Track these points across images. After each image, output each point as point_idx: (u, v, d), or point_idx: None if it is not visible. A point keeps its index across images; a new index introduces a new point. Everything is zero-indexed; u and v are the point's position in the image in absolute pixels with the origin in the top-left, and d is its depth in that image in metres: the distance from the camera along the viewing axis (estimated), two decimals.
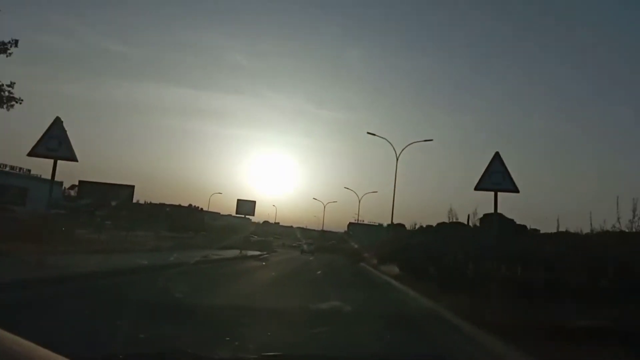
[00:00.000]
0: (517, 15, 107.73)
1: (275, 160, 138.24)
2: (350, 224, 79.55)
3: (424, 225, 75.07)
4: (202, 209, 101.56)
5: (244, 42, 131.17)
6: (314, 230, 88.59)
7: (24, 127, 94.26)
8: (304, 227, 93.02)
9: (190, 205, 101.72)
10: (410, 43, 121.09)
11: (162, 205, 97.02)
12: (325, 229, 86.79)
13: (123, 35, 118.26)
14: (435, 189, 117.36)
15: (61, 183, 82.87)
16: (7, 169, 62.55)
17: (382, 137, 40.53)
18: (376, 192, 76.99)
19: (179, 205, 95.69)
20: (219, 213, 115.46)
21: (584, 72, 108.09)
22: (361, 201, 69.07)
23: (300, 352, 5.11)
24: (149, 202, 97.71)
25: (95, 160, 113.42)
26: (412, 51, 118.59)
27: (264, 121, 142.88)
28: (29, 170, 66.79)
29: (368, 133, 40.51)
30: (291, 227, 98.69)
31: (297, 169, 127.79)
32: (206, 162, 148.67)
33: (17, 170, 63.78)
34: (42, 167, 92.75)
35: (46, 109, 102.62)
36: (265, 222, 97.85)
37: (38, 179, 71.21)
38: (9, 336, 1.02)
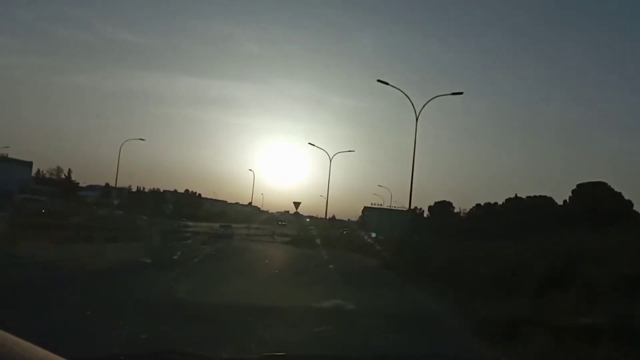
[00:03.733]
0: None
1: (287, 148, 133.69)
2: (365, 208, 72.84)
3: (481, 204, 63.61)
4: (200, 194, 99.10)
5: (255, 29, 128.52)
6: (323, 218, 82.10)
7: (38, 117, 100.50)
8: (315, 215, 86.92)
9: (187, 190, 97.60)
10: (422, 28, 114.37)
11: (165, 192, 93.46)
12: (338, 218, 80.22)
13: (135, 26, 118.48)
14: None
15: (30, 163, 79.23)
16: None
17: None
18: (353, 151, 66.22)
19: (175, 191, 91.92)
20: (226, 201, 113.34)
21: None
22: (381, 184, 62.36)
23: (302, 351, 5.24)
24: (154, 189, 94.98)
25: (109, 149, 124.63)
26: (424, 37, 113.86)
27: (275, 109, 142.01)
28: None
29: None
30: (302, 215, 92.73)
31: (312, 159, 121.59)
32: (216, 151, 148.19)
33: None
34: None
35: (59, 99, 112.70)
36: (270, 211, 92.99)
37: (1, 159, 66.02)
38: (9, 337, 1.02)
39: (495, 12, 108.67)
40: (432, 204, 69.75)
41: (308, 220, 70.99)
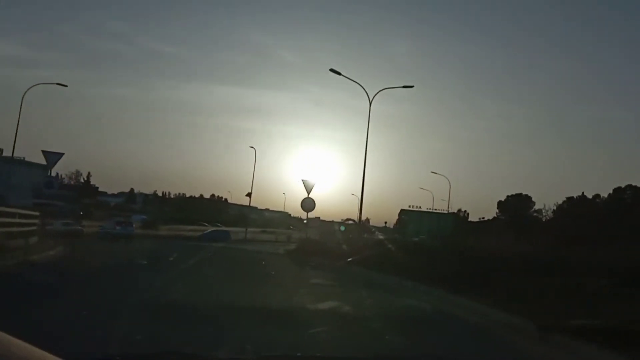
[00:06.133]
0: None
1: (323, 155, 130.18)
2: (402, 211, 65.80)
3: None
4: (225, 199, 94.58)
5: (288, 38, 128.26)
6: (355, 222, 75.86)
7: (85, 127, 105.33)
8: (345, 220, 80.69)
9: (213, 195, 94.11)
10: (459, 33, 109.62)
11: (191, 198, 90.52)
12: (372, 223, 73.48)
13: (172, 38, 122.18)
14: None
15: (47, 167, 76.32)
16: None
17: None
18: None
19: (200, 197, 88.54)
20: (257, 207, 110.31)
21: None
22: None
23: (299, 352, 4.95)
24: (180, 194, 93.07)
25: (148, 158, 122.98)
26: (461, 42, 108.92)
27: (310, 116, 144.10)
28: (1, 151, 58.40)
29: None
30: (332, 221, 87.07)
31: (345, 164, 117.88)
32: (251, 158, 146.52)
33: None
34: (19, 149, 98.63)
35: (101, 110, 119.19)
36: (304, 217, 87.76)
37: (15, 162, 63.22)
38: (6, 337, 1.02)
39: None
40: (502, 198, 60.39)
41: (337, 225, 65.17)
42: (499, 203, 62.93)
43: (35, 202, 61.15)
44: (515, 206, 58.27)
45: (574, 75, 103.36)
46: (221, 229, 41.32)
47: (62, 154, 18.29)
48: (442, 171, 74.14)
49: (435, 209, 59.72)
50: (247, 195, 42.47)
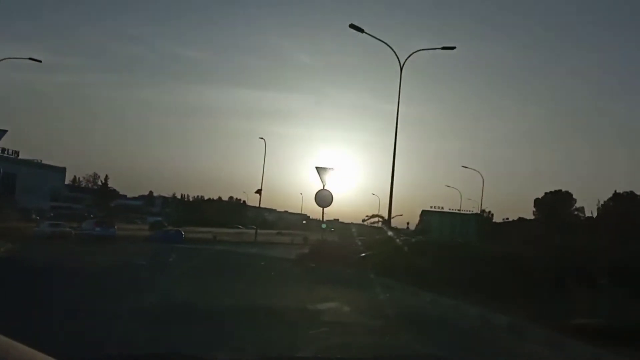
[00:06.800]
0: None
1: (342, 156, 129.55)
2: (424, 212, 63.78)
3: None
4: (244, 201, 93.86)
5: (306, 41, 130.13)
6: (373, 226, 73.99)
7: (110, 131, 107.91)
8: (370, 217, 78.79)
9: (231, 198, 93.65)
10: (478, 34, 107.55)
11: (209, 200, 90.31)
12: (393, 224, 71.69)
13: (192, 42, 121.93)
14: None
15: (64, 170, 76.86)
16: None
17: None
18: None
19: (219, 199, 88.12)
20: (275, 209, 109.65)
21: None
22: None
23: (300, 353, 4.78)
24: (198, 196, 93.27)
25: (168, 161, 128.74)
26: (481, 42, 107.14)
27: (328, 118, 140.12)
28: (17, 153, 57.92)
29: None
30: (351, 223, 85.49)
31: (362, 166, 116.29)
32: (268, 162, 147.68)
33: None
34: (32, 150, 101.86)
35: (122, 113, 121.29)
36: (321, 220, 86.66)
37: (31, 164, 63.37)
38: (6, 341, 1.02)
39: None
40: (541, 194, 56.68)
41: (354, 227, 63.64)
42: (536, 201, 59.45)
43: (53, 205, 61.45)
44: (554, 204, 54.84)
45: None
46: (174, 229, 37.51)
47: (6, 130, 19.96)
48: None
49: (459, 210, 57.76)
50: (256, 192, 40.87)
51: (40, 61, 26.87)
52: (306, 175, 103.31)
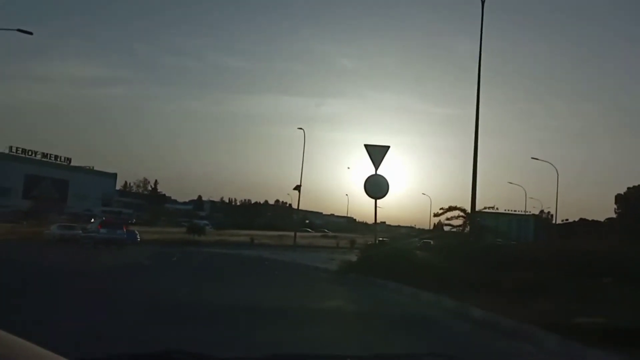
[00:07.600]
0: None
1: (388, 159, 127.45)
2: (476, 213, 60.45)
3: None
4: (290, 204, 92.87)
5: (348, 45, 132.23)
6: (422, 228, 71.46)
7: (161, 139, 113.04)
8: (414, 225, 76.58)
9: (277, 201, 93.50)
10: (522, 31, 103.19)
11: (256, 203, 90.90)
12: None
13: (237, 51, 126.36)
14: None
15: (115, 175, 78.57)
16: (39, 156, 54.30)
17: None
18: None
19: (265, 202, 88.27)
20: (322, 213, 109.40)
21: None
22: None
23: (308, 351, 3.87)
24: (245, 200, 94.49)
25: (216, 167, 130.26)
26: (525, 40, 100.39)
27: (372, 122, 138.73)
28: (69, 160, 59.77)
29: None
30: (398, 226, 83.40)
31: (408, 168, 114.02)
32: (315, 167, 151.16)
33: (53, 158, 55.36)
34: (84, 157, 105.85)
35: (174, 122, 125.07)
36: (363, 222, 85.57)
37: (84, 171, 65.03)
38: (10, 337, 1.00)
39: None
40: (622, 191, 51.15)
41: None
42: (618, 197, 53.78)
43: (104, 210, 63.25)
44: None
45: None
46: (134, 230, 34.17)
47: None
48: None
49: (515, 210, 54.46)
50: (295, 188, 39.65)
51: (31, 33, 23.16)
52: (350, 179, 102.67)
